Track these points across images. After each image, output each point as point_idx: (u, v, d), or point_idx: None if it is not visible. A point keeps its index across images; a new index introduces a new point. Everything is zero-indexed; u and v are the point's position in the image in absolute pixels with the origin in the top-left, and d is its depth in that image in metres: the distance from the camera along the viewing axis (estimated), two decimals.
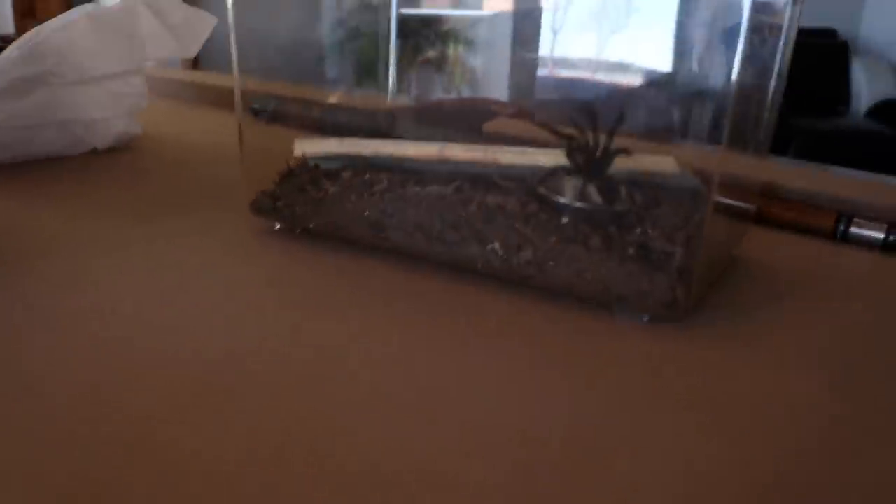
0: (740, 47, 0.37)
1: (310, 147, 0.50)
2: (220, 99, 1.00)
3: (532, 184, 0.44)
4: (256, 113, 0.79)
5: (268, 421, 0.31)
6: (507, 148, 0.45)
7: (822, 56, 3.88)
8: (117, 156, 0.72)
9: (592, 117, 0.41)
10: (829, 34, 4.00)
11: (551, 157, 0.44)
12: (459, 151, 0.45)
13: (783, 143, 3.33)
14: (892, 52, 4.01)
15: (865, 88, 3.86)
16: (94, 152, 0.72)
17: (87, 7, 0.70)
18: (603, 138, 0.42)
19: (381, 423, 0.31)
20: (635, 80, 0.60)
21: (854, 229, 0.57)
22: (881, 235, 0.56)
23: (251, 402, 0.32)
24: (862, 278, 0.51)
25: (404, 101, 0.79)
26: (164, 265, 0.46)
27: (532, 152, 0.44)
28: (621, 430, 0.32)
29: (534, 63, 0.71)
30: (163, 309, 0.41)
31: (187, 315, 0.40)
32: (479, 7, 0.76)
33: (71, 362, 0.35)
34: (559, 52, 0.64)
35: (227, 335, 0.38)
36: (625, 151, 0.41)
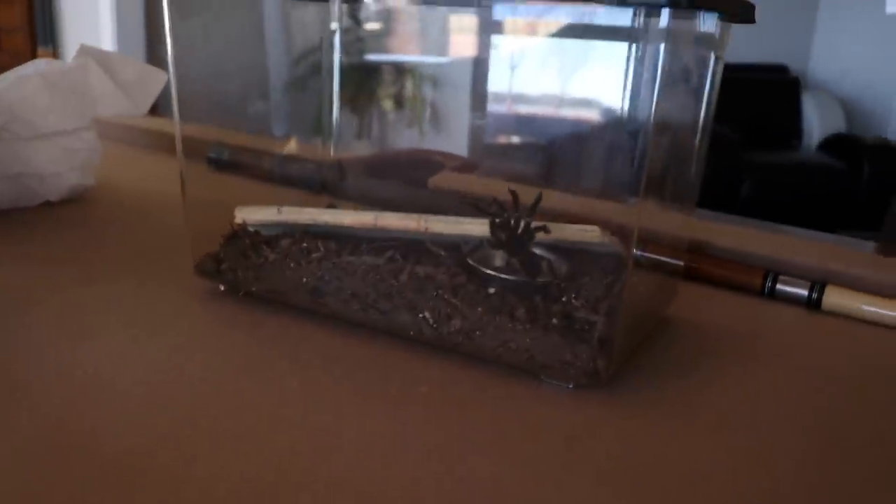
0: (654, 100, 0.39)
1: (249, 215, 0.52)
2: (170, 142, 1.01)
3: (461, 254, 0.46)
4: (212, 162, 0.81)
5: (200, 492, 0.33)
6: (438, 217, 0.47)
7: (773, 91, 3.97)
8: (71, 208, 0.73)
9: (514, 197, 0.44)
10: (779, 70, 4.10)
11: (480, 228, 0.46)
12: (393, 220, 0.47)
13: (737, 176, 3.39)
14: (840, 88, 4.12)
15: (816, 122, 3.95)
16: (48, 204, 0.73)
17: (40, 64, 0.71)
18: (526, 213, 0.44)
19: (310, 495, 0.33)
20: (561, 136, 0.63)
21: (780, 286, 0.60)
22: (805, 293, 0.59)
23: (186, 469, 0.34)
24: (787, 336, 0.54)
25: (356, 150, 0.81)
26: (111, 329, 0.48)
27: (462, 222, 0.46)
28: (540, 499, 0.34)
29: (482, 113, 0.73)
30: (109, 375, 0.42)
31: (132, 382, 0.41)
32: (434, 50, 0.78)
33: (15, 429, 0.36)
34: (502, 100, 0.67)
35: (168, 402, 0.40)
36: (544, 229, 0.44)
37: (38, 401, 0.39)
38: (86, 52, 0.74)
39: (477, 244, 0.47)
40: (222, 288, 0.53)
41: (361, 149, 0.82)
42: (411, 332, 0.45)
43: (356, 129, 0.81)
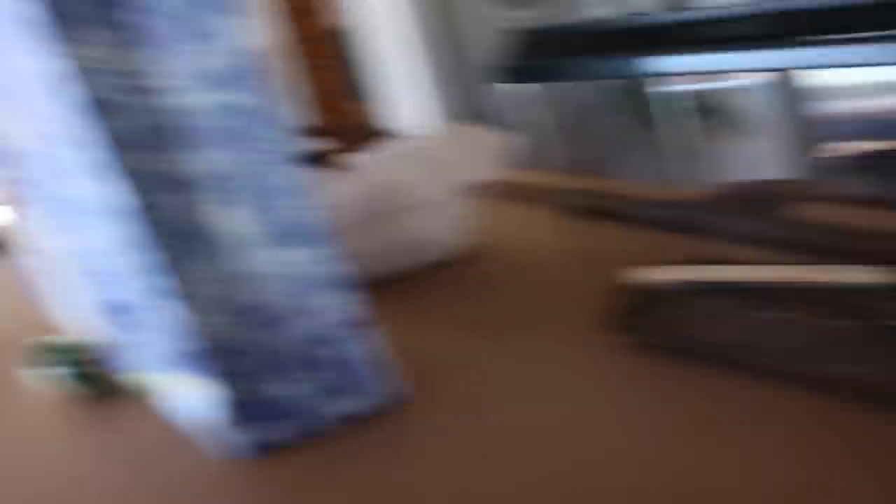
0: None
1: (654, 275, 0.54)
2: (537, 196, 1.04)
3: (871, 302, 0.46)
4: (578, 211, 0.84)
5: None
6: (837, 267, 0.47)
7: None
8: (453, 268, 0.79)
9: None
10: None
11: (874, 275, 0.45)
12: (800, 273, 0.48)
13: None
14: None
15: None
16: (432, 266, 0.81)
17: (415, 142, 0.81)
18: None
19: None
20: None
21: None
22: None
23: None
24: None
25: (704, 187, 0.81)
26: (541, 390, 0.51)
27: (857, 271, 0.46)
28: None
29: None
30: (555, 436, 0.46)
31: (581, 443, 0.45)
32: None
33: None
34: None
35: (621, 462, 0.43)
36: None
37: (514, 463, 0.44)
38: (449, 128, 0.82)
39: (877, 290, 0.46)
40: (627, 342, 0.54)
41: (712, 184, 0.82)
42: (834, 384, 0.45)
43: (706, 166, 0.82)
